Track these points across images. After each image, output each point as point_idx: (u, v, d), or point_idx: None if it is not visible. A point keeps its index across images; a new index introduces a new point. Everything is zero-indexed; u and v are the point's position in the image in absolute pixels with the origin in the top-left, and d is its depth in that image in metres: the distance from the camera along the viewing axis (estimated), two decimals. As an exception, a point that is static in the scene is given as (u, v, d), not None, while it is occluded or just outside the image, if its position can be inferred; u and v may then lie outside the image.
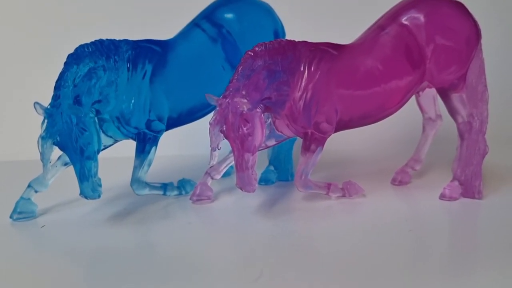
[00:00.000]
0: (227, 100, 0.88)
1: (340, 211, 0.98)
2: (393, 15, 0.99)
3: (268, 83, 0.91)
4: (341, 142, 1.30)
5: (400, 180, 1.14)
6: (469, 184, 1.01)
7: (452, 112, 1.03)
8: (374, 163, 1.37)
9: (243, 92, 0.88)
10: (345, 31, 1.11)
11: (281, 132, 1.00)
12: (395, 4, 1.02)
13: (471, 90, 1.00)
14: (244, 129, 0.86)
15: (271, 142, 1.03)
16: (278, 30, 1.13)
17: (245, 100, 0.87)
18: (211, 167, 1.04)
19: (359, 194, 1.04)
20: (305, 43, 0.97)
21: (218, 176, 1.07)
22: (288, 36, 1.09)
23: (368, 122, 1.02)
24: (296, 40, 0.97)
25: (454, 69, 0.98)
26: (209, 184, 1.06)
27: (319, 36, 1.05)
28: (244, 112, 0.86)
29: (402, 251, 0.81)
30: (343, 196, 1.03)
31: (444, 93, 1.02)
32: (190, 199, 1.06)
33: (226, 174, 1.20)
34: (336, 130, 1.00)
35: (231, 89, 0.89)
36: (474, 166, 1.01)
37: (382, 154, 1.47)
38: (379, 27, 1.00)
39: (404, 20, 0.98)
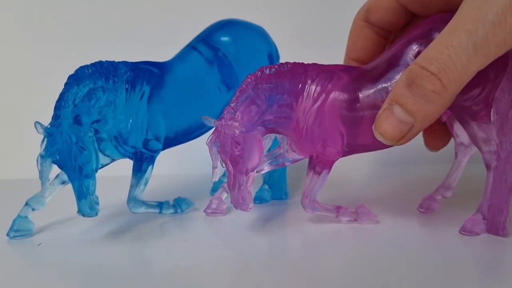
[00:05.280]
0: (222, 122, 0.90)
1: (333, 231, 0.98)
2: (406, 43, 0.92)
3: (268, 106, 0.92)
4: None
5: (427, 207, 1.07)
6: (494, 219, 0.91)
7: (474, 140, 0.92)
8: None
9: (239, 115, 0.90)
10: (339, 55, 1.13)
11: (295, 151, 1.00)
12: (407, 31, 0.96)
13: (500, 117, 0.90)
14: (235, 150, 0.89)
15: (287, 162, 1.04)
16: (272, 53, 1.16)
17: (236, 123, 0.88)
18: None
19: (372, 220, 0.99)
20: (312, 65, 0.95)
21: None
22: (282, 59, 1.12)
23: (381, 146, 0.93)
24: (301, 62, 0.95)
25: (473, 94, 0.87)
26: (223, 198, 1.10)
27: (312, 60, 1.07)
28: (235, 134, 0.88)
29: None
30: (354, 220, 0.99)
31: (463, 120, 0.92)
32: (205, 211, 1.10)
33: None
34: (347, 154, 0.96)
35: (227, 111, 0.90)
36: (500, 200, 0.90)
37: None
38: (392, 55, 0.92)
39: (416, 47, 0.89)
